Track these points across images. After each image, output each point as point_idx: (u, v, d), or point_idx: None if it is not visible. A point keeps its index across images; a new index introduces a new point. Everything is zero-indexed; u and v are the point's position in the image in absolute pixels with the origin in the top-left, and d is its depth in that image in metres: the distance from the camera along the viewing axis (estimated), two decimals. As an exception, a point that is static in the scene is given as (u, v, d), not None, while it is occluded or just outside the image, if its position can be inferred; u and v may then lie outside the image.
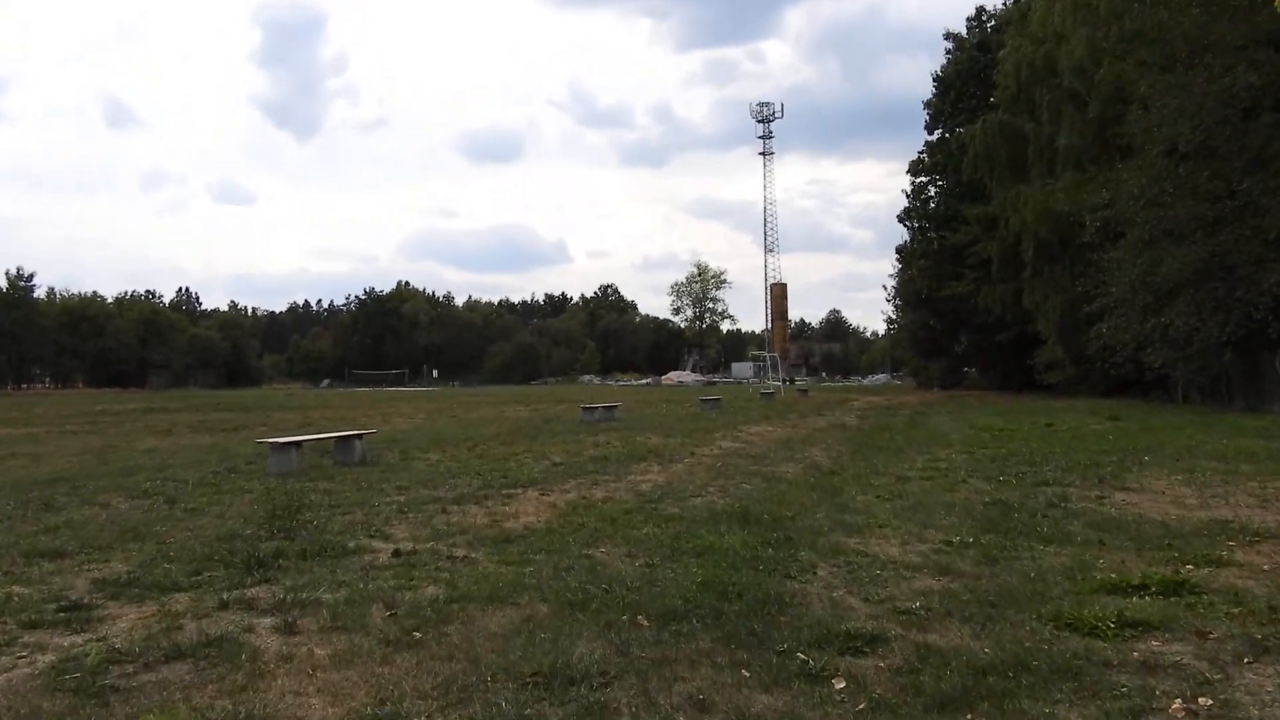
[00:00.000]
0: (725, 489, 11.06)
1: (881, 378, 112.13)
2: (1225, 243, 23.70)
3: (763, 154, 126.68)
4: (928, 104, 53.79)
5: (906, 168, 55.53)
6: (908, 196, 56.05)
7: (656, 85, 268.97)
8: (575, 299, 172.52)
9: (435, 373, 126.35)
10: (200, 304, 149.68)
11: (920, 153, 55.15)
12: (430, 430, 22.64)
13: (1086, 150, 33.17)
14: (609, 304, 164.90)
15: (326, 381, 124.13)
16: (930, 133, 54.21)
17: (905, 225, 57.08)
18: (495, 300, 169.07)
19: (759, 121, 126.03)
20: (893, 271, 71.13)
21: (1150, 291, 26.65)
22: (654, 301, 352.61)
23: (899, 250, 59.30)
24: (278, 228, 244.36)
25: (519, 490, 10.91)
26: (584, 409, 24.46)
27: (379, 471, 12.91)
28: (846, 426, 23.12)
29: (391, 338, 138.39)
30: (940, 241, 50.86)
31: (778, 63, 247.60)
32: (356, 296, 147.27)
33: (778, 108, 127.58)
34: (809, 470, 13.06)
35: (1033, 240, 35.56)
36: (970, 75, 49.94)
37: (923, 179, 54.70)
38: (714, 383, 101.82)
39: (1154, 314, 26.39)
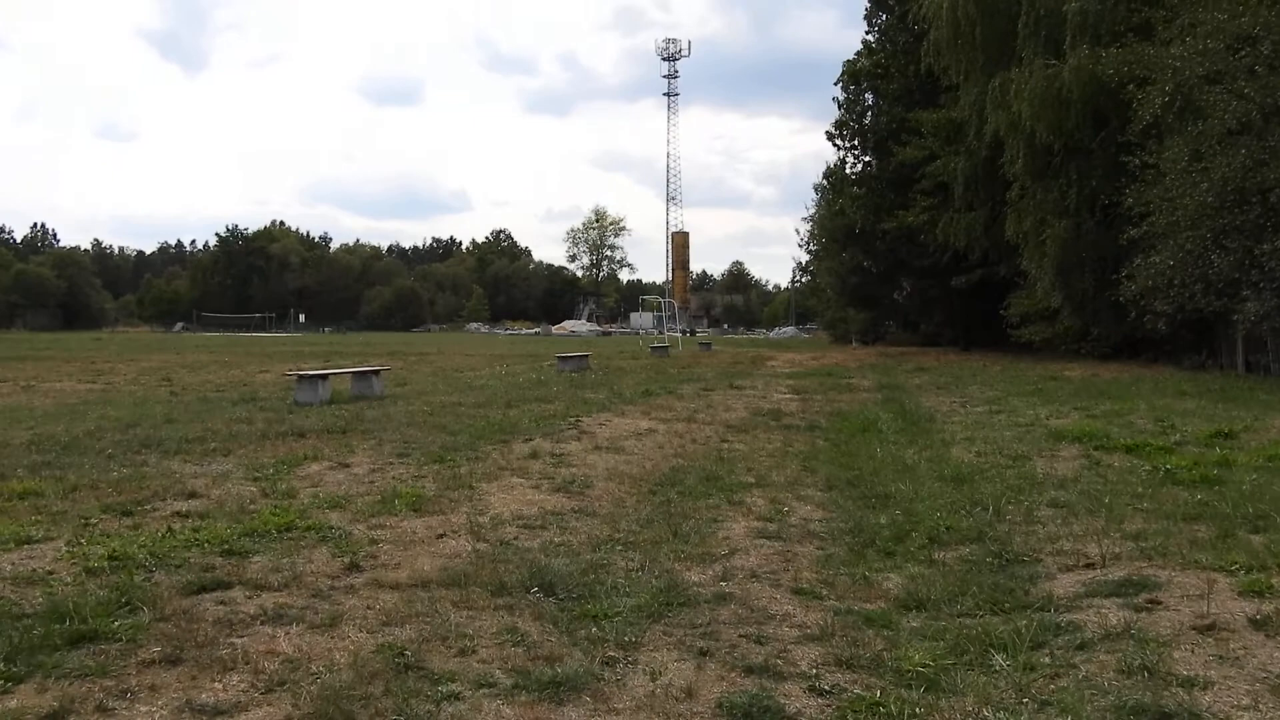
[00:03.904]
0: None
1: (789, 330, 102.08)
2: None
3: (667, 94, 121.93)
4: (871, -16, 42.57)
5: (839, 75, 44.05)
6: (839, 106, 44.08)
7: (564, 32, 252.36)
8: (467, 244, 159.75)
9: (302, 318, 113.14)
10: (58, 240, 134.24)
11: (857, 54, 43.60)
12: (30, 408, 11.80)
13: (1110, 16, 23.42)
14: (501, 249, 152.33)
15: (180, 325, 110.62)
16: (871, 25, 43.12)
17: (835, 144, 44.81)
18: (384, 245, 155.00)
19: (664, 59, 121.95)
20: (808, 213, 61.06)
21: (1241, 206, 17.18)
22: (553, 251, 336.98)
23: (826, 176, 48.24)
24: (163, 166, 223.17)
25: None
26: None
27: None
28: (784, 417, 12.94)
29: (258, 279, 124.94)
30: (880, 164, 40.39)
31: (686, 13, 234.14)
32: (218, 234, 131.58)
33: (684, 45, 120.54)
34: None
35: (1023, 145, 25.36)
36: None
37: (859, 85, 43.53)
38: (609, 333, 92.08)
39: (1251, 238, 16.93)
